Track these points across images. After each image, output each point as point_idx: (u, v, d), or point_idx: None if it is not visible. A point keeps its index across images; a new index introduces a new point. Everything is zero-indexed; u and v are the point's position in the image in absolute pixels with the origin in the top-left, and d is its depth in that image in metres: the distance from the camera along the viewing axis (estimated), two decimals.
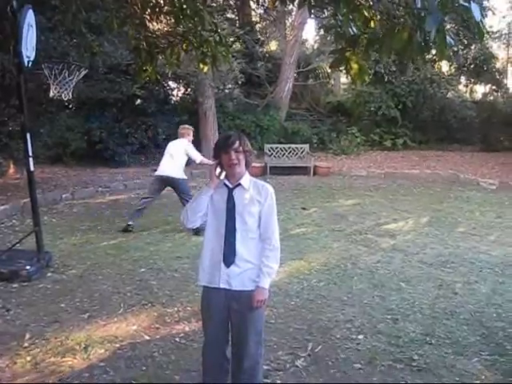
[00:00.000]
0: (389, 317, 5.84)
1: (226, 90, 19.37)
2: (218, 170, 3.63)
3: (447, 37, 2.92)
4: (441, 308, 6.12)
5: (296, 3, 4.19)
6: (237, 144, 3.55)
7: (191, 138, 9.79)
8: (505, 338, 5.35)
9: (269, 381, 4.43)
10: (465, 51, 22.73)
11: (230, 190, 3.64)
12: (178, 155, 9.39)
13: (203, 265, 3.75)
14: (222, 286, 3.64)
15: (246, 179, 3.67)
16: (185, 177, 9.60)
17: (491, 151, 20.93)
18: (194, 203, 3.68)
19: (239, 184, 3.64)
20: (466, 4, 2.76)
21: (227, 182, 3.66)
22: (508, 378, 4.59)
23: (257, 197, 3.64)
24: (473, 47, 23.05)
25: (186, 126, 10.03)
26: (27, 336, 5.18)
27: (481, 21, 2.79)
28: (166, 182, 9.47)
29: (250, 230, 3.64)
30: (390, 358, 4.90)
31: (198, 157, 9.63)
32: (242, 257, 3.62)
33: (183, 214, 3.75)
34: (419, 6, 2.99)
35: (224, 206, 3.63)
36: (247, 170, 3.67)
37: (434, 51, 3.44)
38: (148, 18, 5.63)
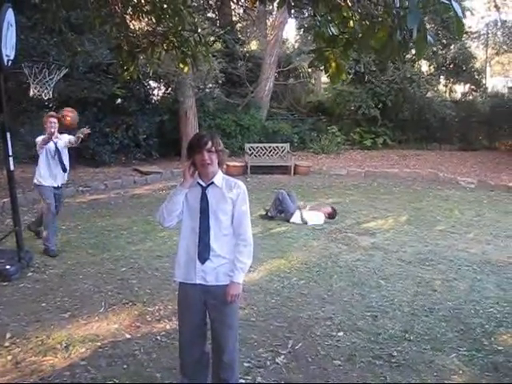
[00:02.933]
0: (368, 314, 5.90)
1: (207, 90, 19.37)
2: (192, 169, 3.68)
3: (427, 36, 2.97)
4: (420, 305, 6.20)
5: (275, 3, 4.21)
6: (209, 144, 3.60)
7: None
8: (482, 334, 5.44)
9: (249, 377, 4.47)
10: (444, 51, 22.97)
11: (204, 189, 3.71)
12: None
13: (179, 262, 3.83)
14: (198, 281, 3.71)
15: (219, 177, 3.73)
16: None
17: (470, 150, 21.19)
18: (169, 204, 3.73)
19: (212, 182, 3.70)
20: (447, 1, 2.81)
21: (200, 181, 3.72)
22: (485, 372, 4.67)
23: (229, 194, 3.71)
24: (452, 47, 23.31)
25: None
26: (8, 335, 5.16)
27: (461, 16, 2.83)
28: None
29: (223, 227, 3.72)
30: (369, 354, 4.96)
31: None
32: (216, 253, 3.70)
33: (159, 214, 3.79)
34: (398, 5, 3.05)
35: (198, 205, 3.70)
36: (220, 168, 3.74)
37: (413, 51, 3.49)
38: (129, 17, 5.65)
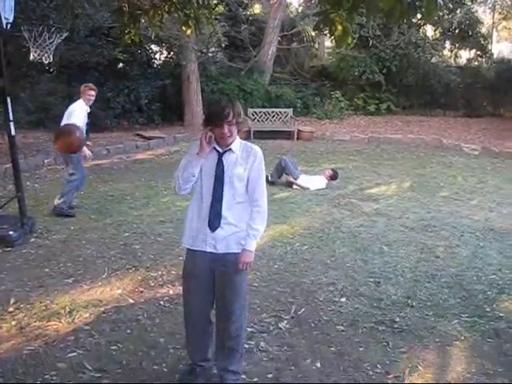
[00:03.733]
0: (371, 280, 5.91)
1: (209, 54, 19.21)
2: (209, 137, 3.55)
3: None
4: (422, 271, 6.21)
5: None
6: (230, 117, 3.48)
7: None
8: (484, 301, 5.45)
9: (253, 343, 4.49)
10: (450, 16, 22.64)
11: (220, 155, 3.61)
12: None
13: (188, 227, 3.73)
14: (208, 249, 3.63)
15: (237, 143, 3.64)
16: None
17: (474, 117, 21.06)
18: (185, 173, 3.60)
19: (229, 149, 3.61)
20: None
21: (217, 147, 3.61)
22: (487, 338, 4.68)
23: (246, 159, 3.62)
24: (458, 12, 22.96)
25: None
26: (12, 301, 5.17)
27: None
28: None
29: (237, 194, 3.62)
30: (371, 320, 4.98)
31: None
32: (227, 221, 3.61)
33: (174, 182, 3.67)
34: None
35: (213, 171, 3.60)
36: (238, 135, 3.65)
37: (419, 15, 3.41)
38: None
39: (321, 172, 10.76)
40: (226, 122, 3.47)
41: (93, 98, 8.51)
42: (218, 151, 3.62)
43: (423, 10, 2.95)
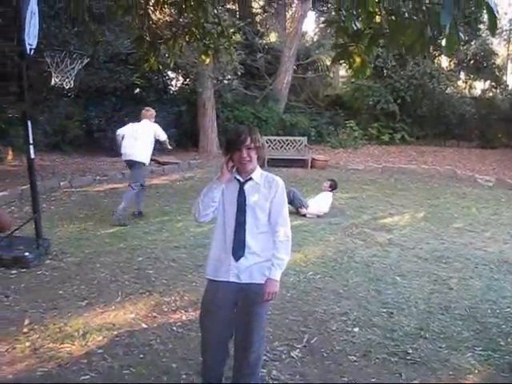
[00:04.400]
0: (384, 310, 5.89)
1: (225, 81, 19.39)
2: (230, 164, 3.60)
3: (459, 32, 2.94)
4: (436, 303, 6.17)
5: None
6: (248, 141, 3.52)
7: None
8: (498, 334, 5.40)
9: (265, 371, 4.47)
10: (465, 47, 22.75)
11: (242, 184, 3.63)
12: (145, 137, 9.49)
13: (211, 258, 3.74)
14: (231, 279, 3.62)
15: (258, 173, 3.66)
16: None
17: (489, 148, 21.03)
18: (205, 198, 3.62)
19: (250, 178, 3.64)
20: None
21: (238, 176, 3.64)
22: (501, 373, 4.64)
23: (267, 190, 3.64)
24: (473, 43, 23.08)
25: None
26: (26, 322, 5.21)
27: (495, 12, 2.80)
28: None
29: (260, 224, 3.63)
30: (384, 351, 4.95)
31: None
32: (251, 250, 3.61)
33: (195, 208, 3.68)
34: (428, 0, 3.01)
35: (235, 200, 3.62)
36: (259, 163, 3.67)
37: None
38: (151, 8, 5.65)
39: (322, 188, 10.87)
40: (244, 146, 3.51)
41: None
42: (239, 180, 3.65)
43: (443, 43, 2.98)
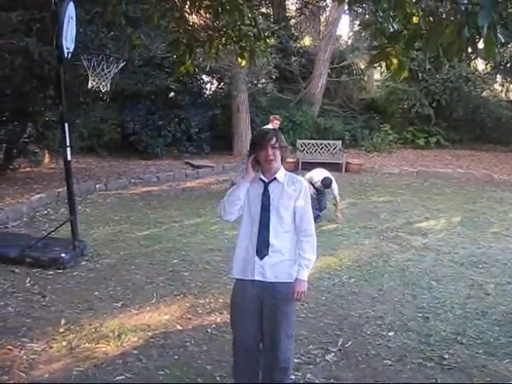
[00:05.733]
0: (419, 315, 5.84)
1: (260, 85, 19.42)
2: (255, 163, 3.68)
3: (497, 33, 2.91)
4: (472, 308, 6.09)
5: None
6: (273, 140, 3.61)
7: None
8: None
9: (299, 374, 4.47)
10: (502, 49, 22.39)
11: (266, 184, 3.70)
12: None
13: (237, 257, 3.80)
14: (256, 277, 3.67)
15: (282, 173, 3.73)
16: None
17: None
18: (230, 196, 3.71)
19: (274, 178, 3.70)
20: None
21: (263, 177, 3.71)
22: None
23: (292, 190, 3.69)
24: (510, 45, 22.70)
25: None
26: (62, 322, 5.29)
27: None
28: None
29: (284, 224, 3.69)
30: (420, 355, 4.91)
31: None
32: (275, 249, 3.66)
33: (220, 206, 3.77)
34: (466, 1, 2.98)
35: (259, 200, 3.68)
36: (282, 164, 3.74)
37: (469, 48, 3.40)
38: (188, 11, 5.68)
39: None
40: (269, 144, 3.60)
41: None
42: (263, 181, 3.71)
43: (480, 46, 2.95)
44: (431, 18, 3.30)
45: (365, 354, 4.92)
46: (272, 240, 3.66)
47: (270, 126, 11.75)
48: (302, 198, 3.71)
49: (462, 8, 3.03)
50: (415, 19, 3.59)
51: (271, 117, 12.70)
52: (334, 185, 10.04)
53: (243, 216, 3.77)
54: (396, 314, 5.86)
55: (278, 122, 12.44)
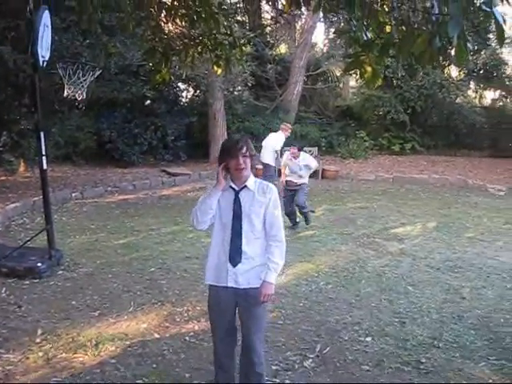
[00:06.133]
0: (396, 320, 5.88)
1: (236, 93, 19.47)
2: (225, 172, 3.70)
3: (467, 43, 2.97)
4: (448, 312, 6.15)
5: (311, 7, 4.23)
6: (244, 149, 3.64)
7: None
8: None
9: (278, 380, 4.48)
10: (475, 57, 22.69)
11: (237, 192, 3.73)
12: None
13: (209, 264, 3.85)
14: (229, 284, 3.73)
15: (252, 181, 3.76)
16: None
17: (500, 157, 20.91)
18: (202, 205, 3.73)
19: (245, 186, 3.73)
20: (488, 8, 2.80)
21: (233, 185, 3.74)
22: None
23: (262, 197, 3.73)
24: (483, 52, 23.03)
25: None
26: (39, 332, 5.24)
27: (502, 24, 2.82)
28: None
29: (255, 230, 3.74)
30: (397, 360, 4.94)
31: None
32: (247, 256, 3.72)
33: (193, 216, 3.80)
34: (437, 11, 3.04)
35: (231, 208, 3.72)
36: (251, 172, 3.77)
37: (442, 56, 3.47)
38: (163, 20, 5.69)
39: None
40: (240, 153, 3.62)
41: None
42: (234, 189, 3.74)
43: (453, 54, 3.01)
44: (404, 27, 3.36)
45: (342, 359, 4.94)
46: (244, 247, 3.71)
47: (281, 135, 12.61)
48: (273, 205, 3.76)
49: (433, 18, 3.08)
50: (388, 28, 3.65)
51: (282, 125, 13.16)
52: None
53: (215, 224, 3.81)
54: (373, 319, 5.90)
55: (290, 130, 12.92)
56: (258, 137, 18.65)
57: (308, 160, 10.08)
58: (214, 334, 3.96)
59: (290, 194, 9.93)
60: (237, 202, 3.71)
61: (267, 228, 3.77)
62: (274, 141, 12.69)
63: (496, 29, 2.78)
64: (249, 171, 3.71)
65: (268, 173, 12.27)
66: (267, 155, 12.57)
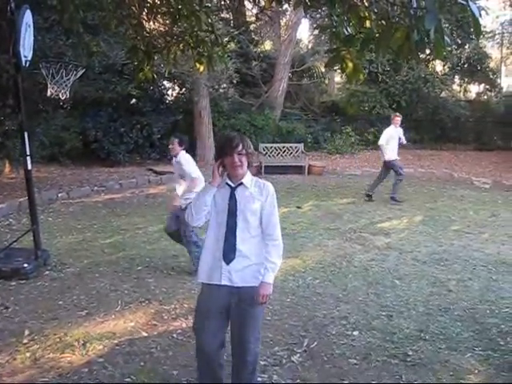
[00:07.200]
0: (383, 313, 5.91)
1: (221, 90, 19.41)
2: (221, 169, 3.68)
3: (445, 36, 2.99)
4: (435, 305, 6.20)
5: (291, 3, 4.24)
6: (240, 147, 3.61)
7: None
8: (498, 334, 5.43)
9: (265, 376, 4.50)
10: (458, 51, 22.84)
11: (232, 189, 3.70)
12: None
13: (203, 262, 3.80)
14: (223, 282, 3.68)
15: (248, 179, 3.73)
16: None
17: (485, 150, 21.09)
18: (197, 202, 3.71)
19: (241, 183, 3.70)
20: (464, 2, 2.83)
21: (229, 181, 3.71)
22: (501, 372, 4.67)
23: (258, 195, 3.71)
24: (467, 47, 23.18)
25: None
26: (26, 332, 5.23)
27: (478, 17, 2.85)
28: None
29: (251, 228, 3.70)
30: (384, 353, 4.97)
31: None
32: (242, 253, 3.67)
33: (187, 212, 3.77)
34: (415, 5, 3.06)
35: (226, 205, 3.68)
36: (249, 169, 3.74)
37: (428, 51, 3.50)
38: (145, 18, 5.68)
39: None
40: (236, 151, 3.60)
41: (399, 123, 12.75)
42: (230, 186, 3.71)
43: (432, 47, 3.03)
44: (383, 22, 3.38)
45: (330, 353, 4.97)
46: (239, 245, 3.67)
47: (392, 126, 12.77)
48: (270, 202, 3.73)
49: (411, 12, 3.10)
50: (368, 23, 3.66)
51: (392, 115, 13.22)
52: None
53: (210, 221, 3.77)
54: (360, 313, 5.93)
55: (399, 119, 12.80)
56: (244, 134, 18.63)
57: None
58: (199, 337, 3.86)
59: None
60: (232, 199, 3.68)
61: (263, 226, 3.75)
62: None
63: (472, 22, 2.81)
64: (245, 169, 3.68)
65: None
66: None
